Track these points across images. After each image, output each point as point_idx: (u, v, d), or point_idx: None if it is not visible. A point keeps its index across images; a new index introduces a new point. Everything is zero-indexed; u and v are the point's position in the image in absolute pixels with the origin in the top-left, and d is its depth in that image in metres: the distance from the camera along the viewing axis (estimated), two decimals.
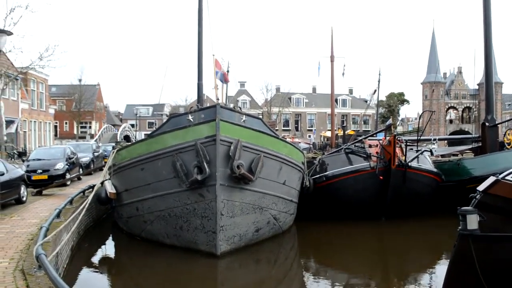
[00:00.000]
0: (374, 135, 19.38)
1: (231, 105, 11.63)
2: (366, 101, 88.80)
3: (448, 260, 9.82)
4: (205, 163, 9.37)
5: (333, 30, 20.49)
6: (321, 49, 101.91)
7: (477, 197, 4.11)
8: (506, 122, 21.89)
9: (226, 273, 9.52)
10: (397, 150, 13.31)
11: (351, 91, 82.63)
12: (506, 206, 3.94)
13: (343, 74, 23.33)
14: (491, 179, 3.97)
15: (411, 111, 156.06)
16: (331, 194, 13.92)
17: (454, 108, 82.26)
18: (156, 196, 10.37)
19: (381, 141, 14.04)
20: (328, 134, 37.23)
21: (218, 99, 13.42)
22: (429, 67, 79.15)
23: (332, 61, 19.48)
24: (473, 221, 3.93)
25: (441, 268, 10.29)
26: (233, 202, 9.89)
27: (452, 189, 14.93)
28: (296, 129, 77.64)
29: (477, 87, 79.89)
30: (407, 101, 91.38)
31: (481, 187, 4.05)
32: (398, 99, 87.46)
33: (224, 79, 16.56)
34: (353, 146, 14.28)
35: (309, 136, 65.04)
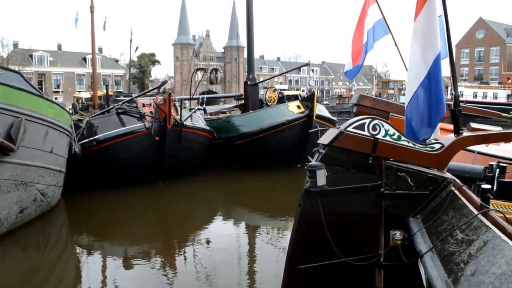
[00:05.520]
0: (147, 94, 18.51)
1: None
2: (117, 61, 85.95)
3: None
4: None
5: None
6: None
7: (320, 151, 3.85)
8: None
9: None
10: (172, 109, 12.95)
11: (100, 50, 78.24)
12: (350, 157, 3.81)
13: (104, 27, 21.30)
14: (335, 131, 3.74)
15: (162, 72, 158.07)
16: (103, 159, 12.68)
17: (202, 69, 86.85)
18: None
19: (154, 100, 13.40)
20: (83, 95, 34.29)
21: None
22: (180, 29, 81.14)
23: (92, 11, 17.41)
24: (322, 177, 3.72)
25: (217, 223, 10.88)
26: None
27: (223, 145, 15.52)
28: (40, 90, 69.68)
29: (223, 50, 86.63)
30: (159, 62, 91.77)
31: (325, 140, 3.78)
32: (149, 60, 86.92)
33: None
34: (125, 106, 13.14)
35: (56, 98, 59.25)
